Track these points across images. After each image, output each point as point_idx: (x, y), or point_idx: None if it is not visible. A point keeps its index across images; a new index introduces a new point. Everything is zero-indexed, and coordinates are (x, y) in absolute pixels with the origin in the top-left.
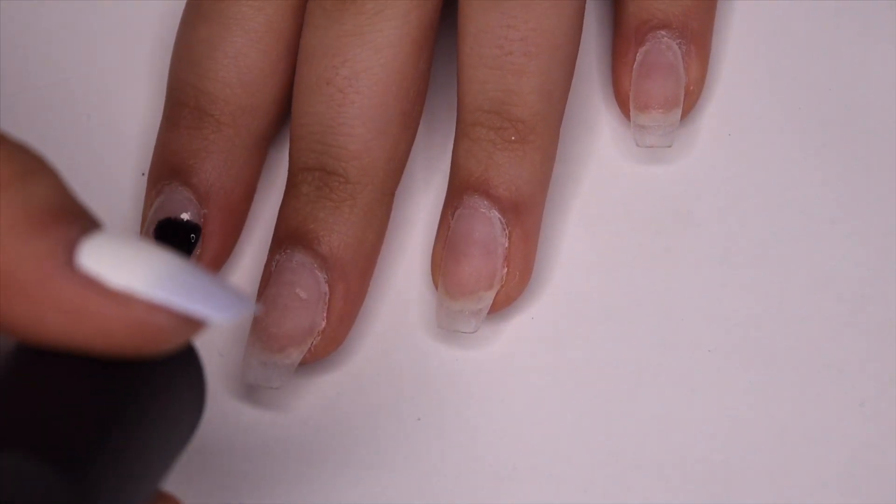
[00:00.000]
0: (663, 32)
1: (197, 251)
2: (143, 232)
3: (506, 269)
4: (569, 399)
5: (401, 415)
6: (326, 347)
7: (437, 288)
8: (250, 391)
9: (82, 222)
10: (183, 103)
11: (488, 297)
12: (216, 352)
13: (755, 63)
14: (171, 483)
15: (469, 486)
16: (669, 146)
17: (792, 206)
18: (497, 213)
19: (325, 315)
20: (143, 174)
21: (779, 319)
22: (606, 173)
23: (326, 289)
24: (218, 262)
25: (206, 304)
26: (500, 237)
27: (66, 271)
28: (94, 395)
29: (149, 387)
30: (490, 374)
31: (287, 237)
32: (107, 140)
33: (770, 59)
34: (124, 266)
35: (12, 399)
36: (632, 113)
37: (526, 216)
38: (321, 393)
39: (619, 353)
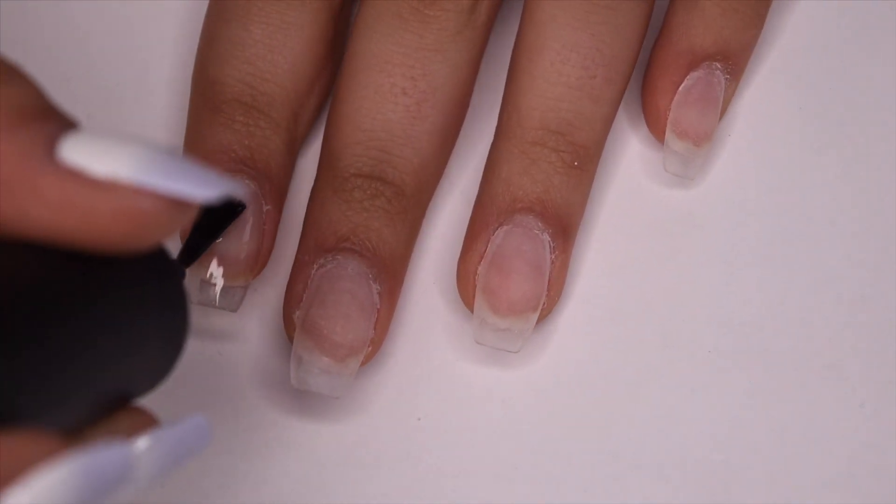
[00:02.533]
0: (718, 66)
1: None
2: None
3: (547, 293)
4: (569, 399)
5: (401, 415)
6: (369, 357)
7: (468, 303)
8: (249, 391)
9: (61, 121)
10: (237, 100)
11: (534, 318)
12: (216, 351)
13: (756, 63)
14: (171, 483)
15: (469, 486)
16: (692, 179)
17: (793, 206)
18: (548, 237)
19: (374, 325)
20: None
21: (779, 320)
22: (608, 175)
23: (378, 299)
24: (266, 261)
25: (189, 184)
26: (548, 259)
27: (49, 164)
28: (53, 284)
29: (116, 287)
30: (490, 374)
31: (338, 243)
32: None
33: (770, 59)
34: (106, 156)
35: None
36: (667, 136)
37: (569, 242)
38: (321, 393)
39: (620, 353)
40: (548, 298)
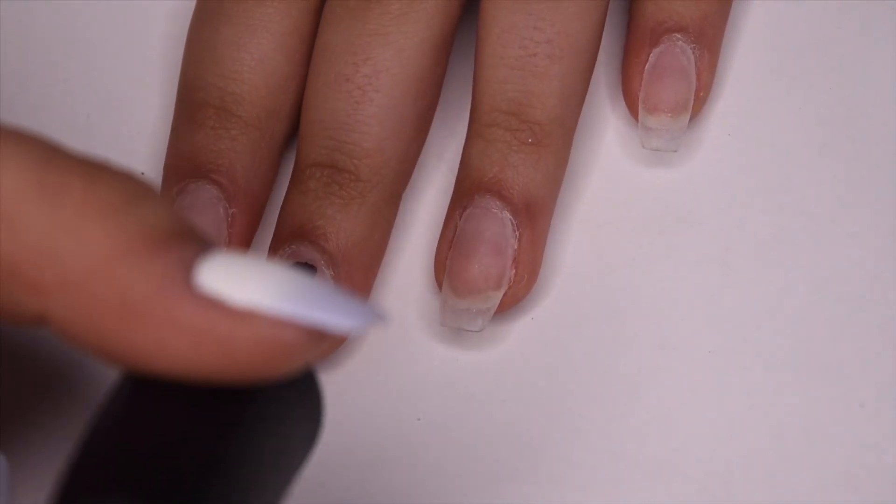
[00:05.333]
0: (678, 36)
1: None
2: None
3: (514, 271)
4: (569, 399)
5: (401, 415)
6: (331, 346)
7: (440, 287)
8: None
9: (196, 243)
10: (207, 104)
11: (496, 297)
12: None
13: (755, 63)
14: None
15: (469, 486)
16: (675, 151)
17: (792, 206)
18: (509, 215)
19: None
20: (141, 174)
21: (779, 320)
22: (607, 173)
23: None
24: None
25: (335, 314)
26: (510, 238)
27: (186, 292)
28: (204, 430)
29: (263, 418)
30: (490, 374)
31: (293, 232)
32: (106, 140)
33: (770, 59)
34: (246, 282)
35: (122, 436)
36: (640, 114)
37: (537, 220)
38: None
39: (619, 354)
40: (516, 277)
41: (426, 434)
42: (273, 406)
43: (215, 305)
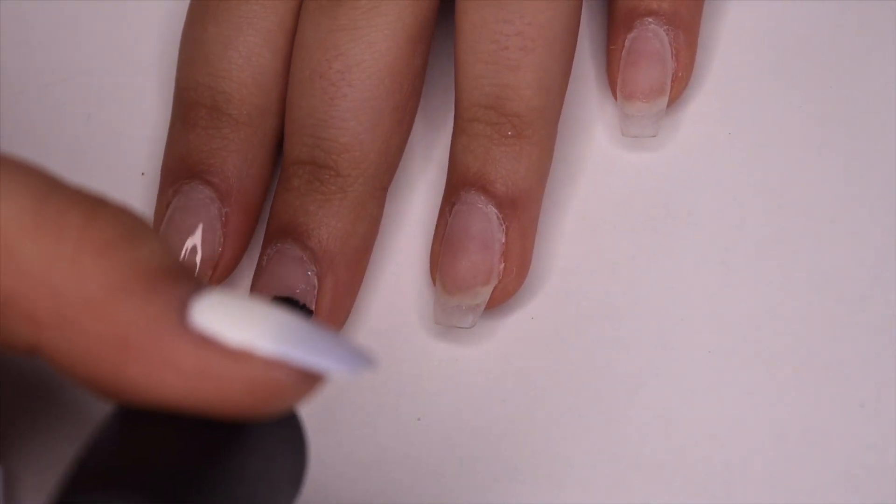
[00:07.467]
0: (650, 19)
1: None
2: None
3: (503, 265)
4: (569, 399)
5: (401, 415)
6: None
7: (434, 284)
8: None
9: (190, 281)
10: (198, 103)
11: (485, 293)
12: None
13: (755, 62)
14: None
15: (469, 486)
16: (654, 136)
17: (792, 205)
18: (494, 209)
19: (316, 310)
20: (142, 174)
21: (779, 319)
22: (605, 171)
23: (315, 282)
24: (235, 262)
25: (326, 357)
26: (496, 232)
27: (181, 330)
28: (191, 448)
29: (246, 451)
30: (490, 374)
31: (278, 231)
32: (106, 140)
33: (770, 58)
34: (240, 322)
35: (116, 451)
36: (619, 101)
37: (523, 211)
38: (320, 393)
39: (619, 353)
40: (506, 271)
41: (426, 434)
42: (255, 439)
43: (210, 344)
